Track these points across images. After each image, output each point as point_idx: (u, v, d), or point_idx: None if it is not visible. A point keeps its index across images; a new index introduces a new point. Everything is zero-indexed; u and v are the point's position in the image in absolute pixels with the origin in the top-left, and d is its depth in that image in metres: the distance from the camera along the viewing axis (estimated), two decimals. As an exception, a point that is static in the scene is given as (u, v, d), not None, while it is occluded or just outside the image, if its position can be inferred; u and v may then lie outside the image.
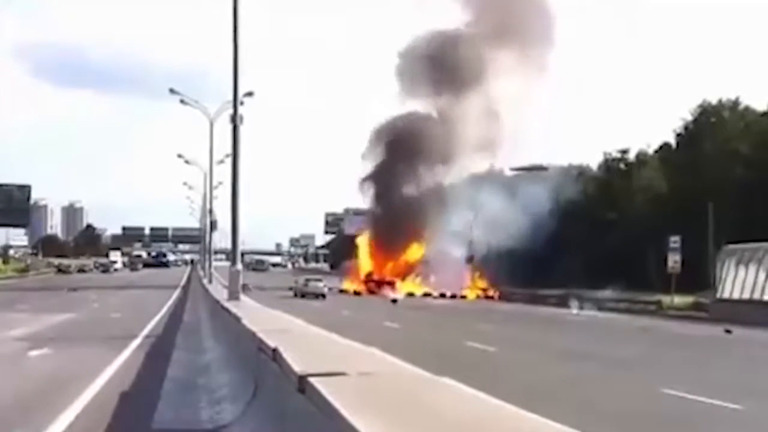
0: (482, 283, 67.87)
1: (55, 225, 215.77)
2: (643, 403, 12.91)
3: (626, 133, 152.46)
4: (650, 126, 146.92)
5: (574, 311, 45.00)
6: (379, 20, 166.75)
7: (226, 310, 14.59)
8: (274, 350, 6.16)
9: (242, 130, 21.41)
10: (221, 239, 56.63)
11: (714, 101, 67.71)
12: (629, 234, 64.29)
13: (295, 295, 54.73)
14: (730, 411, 12.25)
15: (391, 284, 68.73)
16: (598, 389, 14.47)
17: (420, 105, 76.21)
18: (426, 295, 65.62)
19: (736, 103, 67.65)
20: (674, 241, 46.14)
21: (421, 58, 72.26)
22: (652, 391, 13.92)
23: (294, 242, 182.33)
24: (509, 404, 3.76)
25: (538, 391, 12.74)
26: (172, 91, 44.93)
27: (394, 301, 53.32)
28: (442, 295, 64.62)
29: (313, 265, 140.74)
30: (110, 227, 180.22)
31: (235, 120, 21.29)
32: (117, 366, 13.86)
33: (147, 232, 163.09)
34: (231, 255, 21.38)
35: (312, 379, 4.41)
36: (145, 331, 21.67)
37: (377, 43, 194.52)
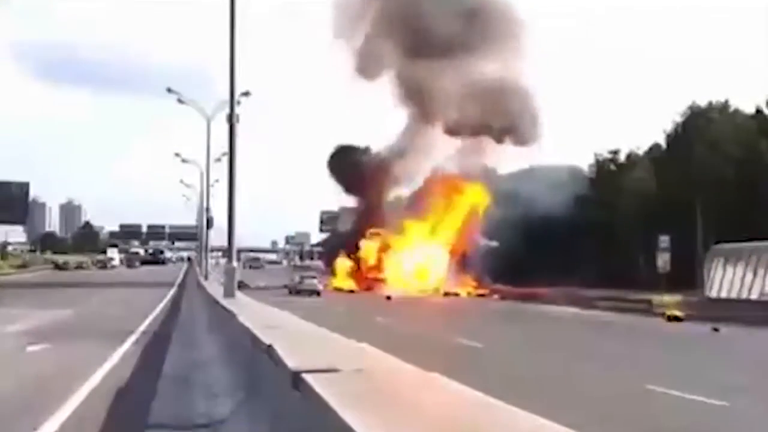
0: (474, 281, 67.90)
1: (53, 222, 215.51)
2: (628, 399, 12.97)
3: (617, 134, 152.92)
4: (640, 127, 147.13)
5: (565, 309, 45.07)
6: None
7: (222, 306, 14.60)
8: (269, 346, 6.19)
9: (238, 128, 21.46)
10: (218, 237, 56.69)
11: (703, 103, 68.05)
12: (619, 233, 64.46)
13: (290, 292, 54.74)
14: (716, 407, 12.31)
15: (386, 281, 68.83)
16: (583, 385, 14.54)
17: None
18: (420, 290, 65.73)
19: (725, 105, 67.89)
20: (663, 240, 46.20)
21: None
22: (637, 387, 13.98)
23: (290, 240, 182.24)
24: (497, 400, 3.80)
25: (524, 387, 12.80)
26: (169, 90, 44.85)
27: (389, 298, 53.41)
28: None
29: (308, 262, 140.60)
30: (108, 224, 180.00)
31: (231, 119, 21.31)
32: (114, 362, 13.88)
33: (144, 229, 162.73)
34: (227, 252, 21.44)
35: (306, 376, 4.43)
36: (142, 327, 21.67)
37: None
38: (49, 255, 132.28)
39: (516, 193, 65.48)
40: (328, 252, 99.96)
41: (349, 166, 78.87)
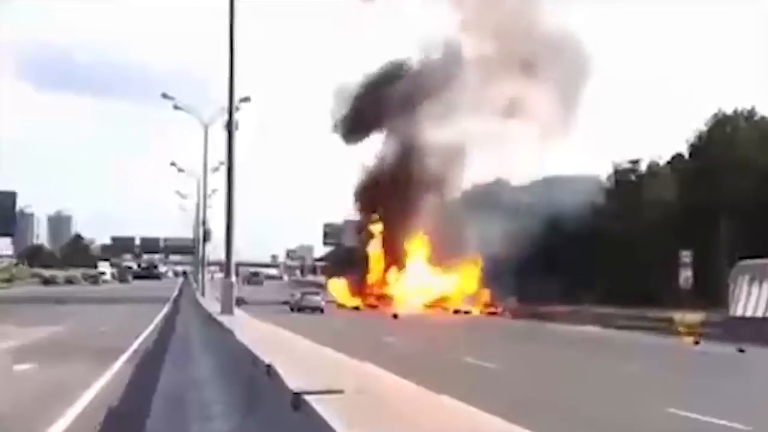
0: (486, 298, 67.79)
1: (41, 234, 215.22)
2: (648, 423, 12.92)
3: (637, 144, 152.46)
4: (662, 136, 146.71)
5: (581, 328, 44.94)
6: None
7: (219, 324, 14.62)
8: (268, 366, 6.21)
9: (237, 136, 21.50)
10: (215, 250, 56.89)
11: (729, 111, 67.88)
12: (639, 248, 64.24)
13: (292, 309, 54.71)
14: (740, 432, 12.28)
15: (392, 298, 68.80)
16: (601, 407, 14.50)
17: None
18: (429, 307, 65.74)
19: (751, 113, 67.79)
20: (686, 255, 46.01)
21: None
22: (658, 410, 13.92)
23: (290, 254, 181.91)
24: (508, 422, 3.81)
25: (539, 409, 12.77)
26: (164, 95, 44.89)
27: (395, 316, 53.28)
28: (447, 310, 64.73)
29: (310, 277, 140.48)
30: (99, 237, 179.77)
31: (230, 126, 21.34)
32: (104, 382, 13.90)
33: (137, 242, 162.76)
34: (225, 267, 21.45)
35: (307, 397, 4.45)
36: (135, 346, 21.70)
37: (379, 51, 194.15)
38: (37, 269, 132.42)
39: (531, 205, 65.45)
40: (332, 267, 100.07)
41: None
